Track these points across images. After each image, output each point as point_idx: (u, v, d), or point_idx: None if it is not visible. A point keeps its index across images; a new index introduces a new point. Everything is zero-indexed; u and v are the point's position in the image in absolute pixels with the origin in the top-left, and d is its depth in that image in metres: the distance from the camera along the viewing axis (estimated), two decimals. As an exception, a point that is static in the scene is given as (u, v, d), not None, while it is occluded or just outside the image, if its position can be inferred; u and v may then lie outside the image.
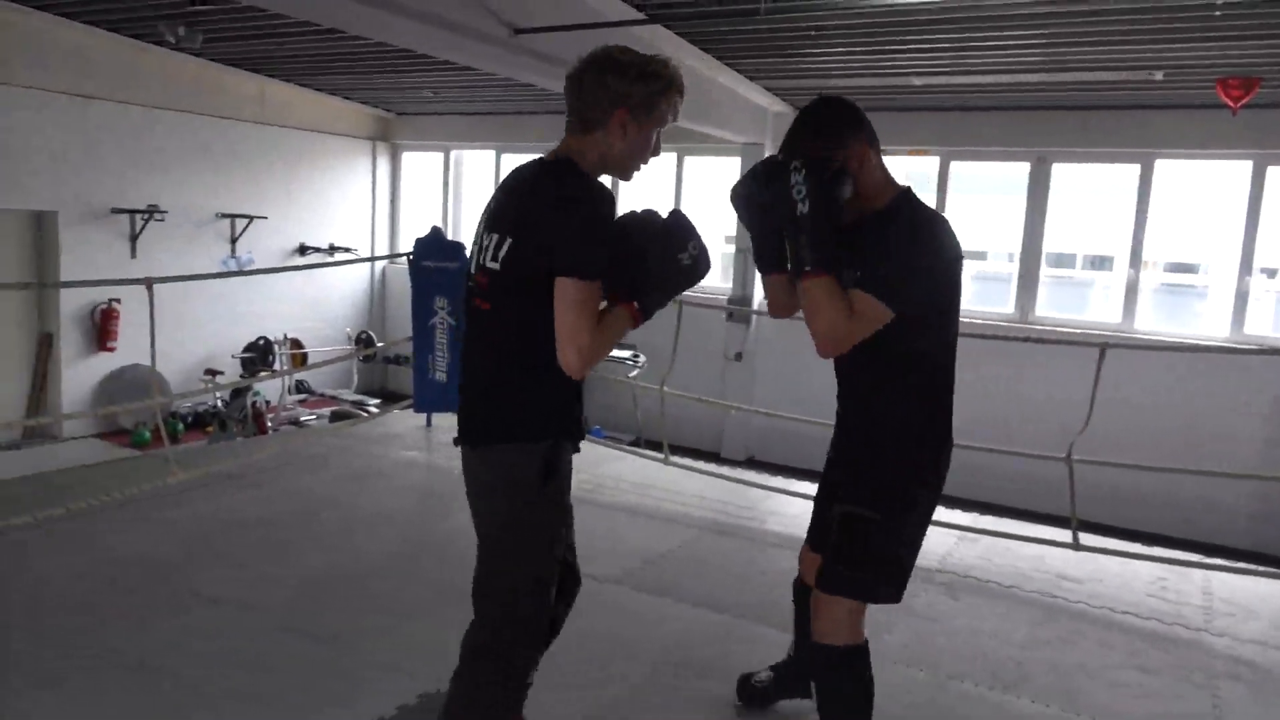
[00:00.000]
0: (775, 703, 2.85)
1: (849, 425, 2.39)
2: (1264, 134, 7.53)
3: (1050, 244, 9.20)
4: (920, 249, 2.14)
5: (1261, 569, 4.42)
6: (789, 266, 2.15)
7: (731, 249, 9.93)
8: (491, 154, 11.58)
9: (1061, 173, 8.60)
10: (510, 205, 2.06)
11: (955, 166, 9.08)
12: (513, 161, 11.45)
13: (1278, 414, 7.70)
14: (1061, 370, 6.87)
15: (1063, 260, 15.19)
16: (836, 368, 2.35)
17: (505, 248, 1.99)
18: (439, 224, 11.84)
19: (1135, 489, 7.27)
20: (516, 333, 2.03)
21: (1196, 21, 5.54)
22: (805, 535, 2.66)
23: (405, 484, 5.09)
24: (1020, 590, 3.95)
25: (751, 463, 9.62)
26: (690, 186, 10.45)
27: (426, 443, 5.85)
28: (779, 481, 5.49)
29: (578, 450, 2.23)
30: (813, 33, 6.54)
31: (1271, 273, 9.35)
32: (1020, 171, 8.77)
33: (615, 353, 9.94)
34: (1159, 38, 5.96)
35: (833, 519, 2.30)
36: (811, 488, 5.39)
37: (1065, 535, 4.37)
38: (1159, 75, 6.84)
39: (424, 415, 6.04)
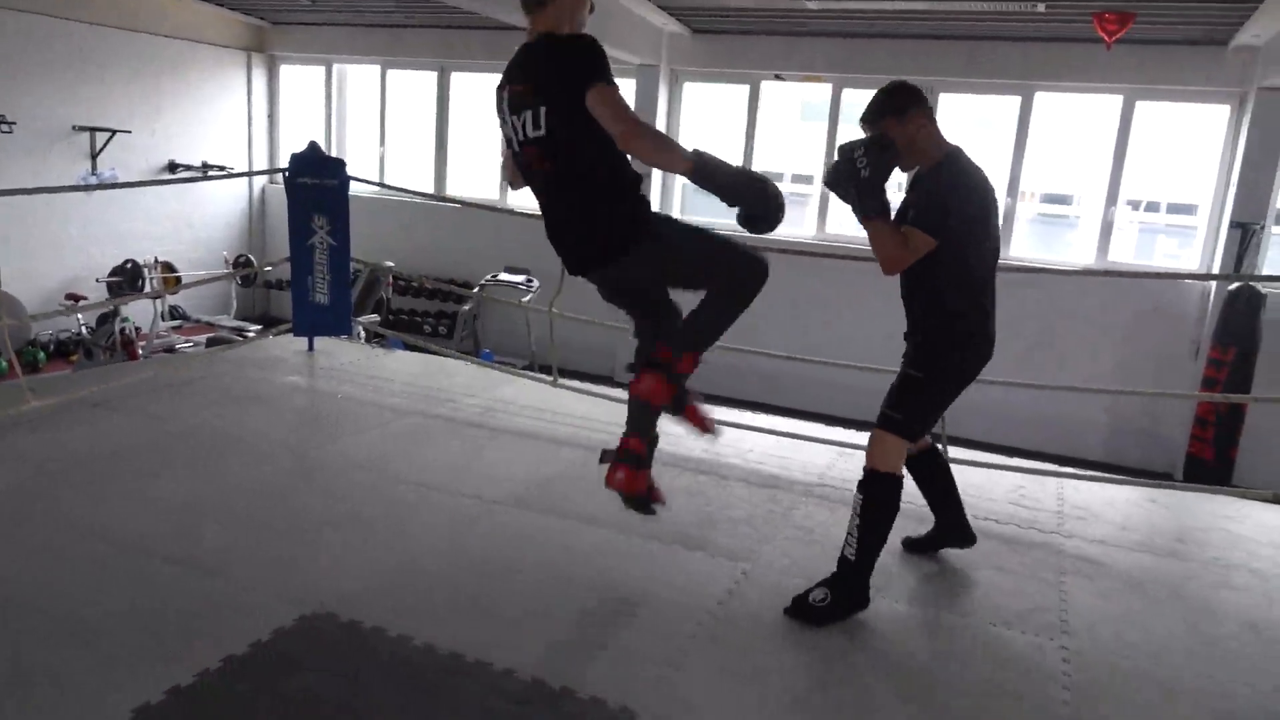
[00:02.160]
0: (940, 550, 3.53)
1: (913, 321, 3.15)
2: (1135, 69, 7.85)
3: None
4: (955, 195, 2.91)
5: (1108, 475, 4.75)
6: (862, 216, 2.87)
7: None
8: (377, 69, 11.07)
9: (947, 103, 8.79)
10: (530, 83, 2.52)
11: (847, 94, 9.16)
12: (400, 78, 11.10)
13: (1134, 336, 8.21)
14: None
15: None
16: (902, 280, 3.12)
17: (543, 114, 2.48)
18: (322, 141, 11.36)
19: (1003, 405, 7.66)
20: (589, 171, 2.54)
21: (1076, -47, 5.68)
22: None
23: (286, 409, 4.94)
24: (892, 502, 4.13)
25: (645, 388, 9.71)
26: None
27: (309, 367, 5.67)
28: (668, 403, 5.54)
29: None
30: (707, -51, 6.43)
31: (1137, 204, 9.86)
32: (908, 100, 8.91)
33: (508, 276, 9.81)
34: (1041, -32, 6.10)
35: (897, 379, 3.12)
36: (705, 408, 5.52)
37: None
38: (1041, 7, 7.01)
39: (306, 339, 5.84)
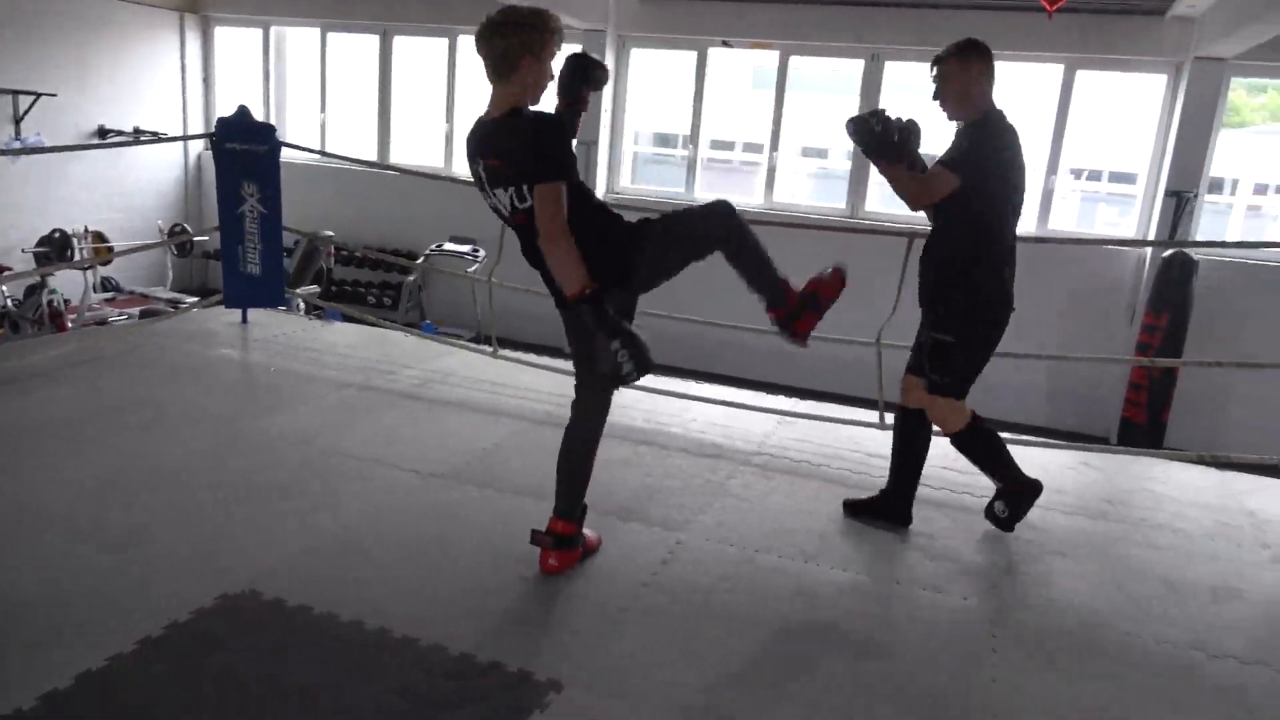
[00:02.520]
0: (875, 520, 3.60)
1: (929, 286, 3.35)
2: (1076, 38, 7.91)
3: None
4: (985, 146, 3.16)
5: (1043, 440, 4.82)
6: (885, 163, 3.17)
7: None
8: (317, 32, 10.75)
9: (894, 71, 8.79)
10: (502, 160, 2.68)
11: (795, 62, 9.12)
12: (341, 41, 10.79)
13: (1073, 302, 8.35)
14: (884, 260, 7.17)
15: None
16: (924, 248, 3.39)
17: (526, 190, 2.64)
18: (260, 107, 11.02)
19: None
20: (576, 230, 2.67)
21: (1017, -81, 5.67)
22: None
23: (216, 382, 4.81)
24: (829, 469, 4.16)
25: (594, 358, 9.67)
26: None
27: (242, 340, 5.53)
28: (611, 373, 5.51)
29: None
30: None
31: (1079, 173, 9.98)
32: (854, 69, 8.90)
33: (453, 246, 9.67)
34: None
35: (924, 344, 3.38)
36: (649, 379, 5.50)
37: (874, 416, 4.60)
38: (984, -26, 7.01)
39: (239, 311, 5.69)
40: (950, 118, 3.31)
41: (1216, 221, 10.88)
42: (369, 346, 5.64)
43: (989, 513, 3.57)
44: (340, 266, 10.45)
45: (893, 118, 3.12)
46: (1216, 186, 9.53)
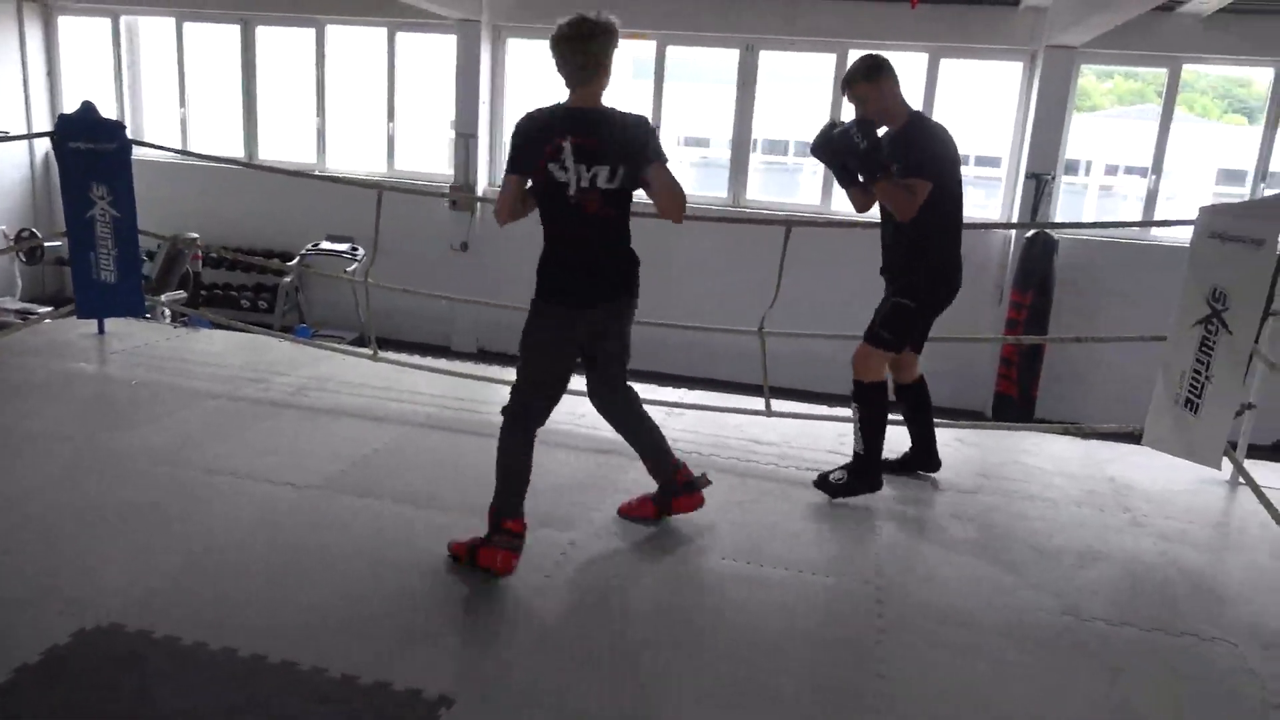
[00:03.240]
0: (911, 473, 4.06)
1: (893, 260, 3.74)
2: (939, 28, 8.19)
3: (763, 131, 9.63)
4: (932, 145, 3.52)
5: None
6: (860, 179, 3.63)
7: (453, 135, 9.49)
8: (171, 22, 10.16)
9: (767, 60, 8.92)
10: (600, 140, 2.90)
11: (673, 52, 9.15)
12: (199, 32, 10.24)
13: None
14: (766, 249, 7.29)
15: (775, 147, 16.08)
16: (884, 225, 3.74)
17: (620, 173, 2.93)
18: (112, 102, 10.36)
19: (827, 354, 7.94)
20: (628, 223, 3.09)
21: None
22: None
23: (71, 398, 4.49)
24: (719, 457, 4.19)
25: (482, 354, 9.52)
26: (405, 64, 9.79)
27: (99, 352, 5.18)
28: (494, 370, 5.41)
29: None
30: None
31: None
32: (731, 58, 9.00)
33: (331, 245, 9.34)
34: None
35: (885, 304, 3.71)
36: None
37: (760, 403, 4.66)
38: (850, -35, 7.18)
39: (94, 322, 5.33)
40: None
41: (1073, 201, 11.52)
42: (239, 354, 5.37)
43: (823, 476, 3.83)
44: (210, 270, 9.95)
45: (868, 125, 3.50)
46: (1072, 168, 10.09)
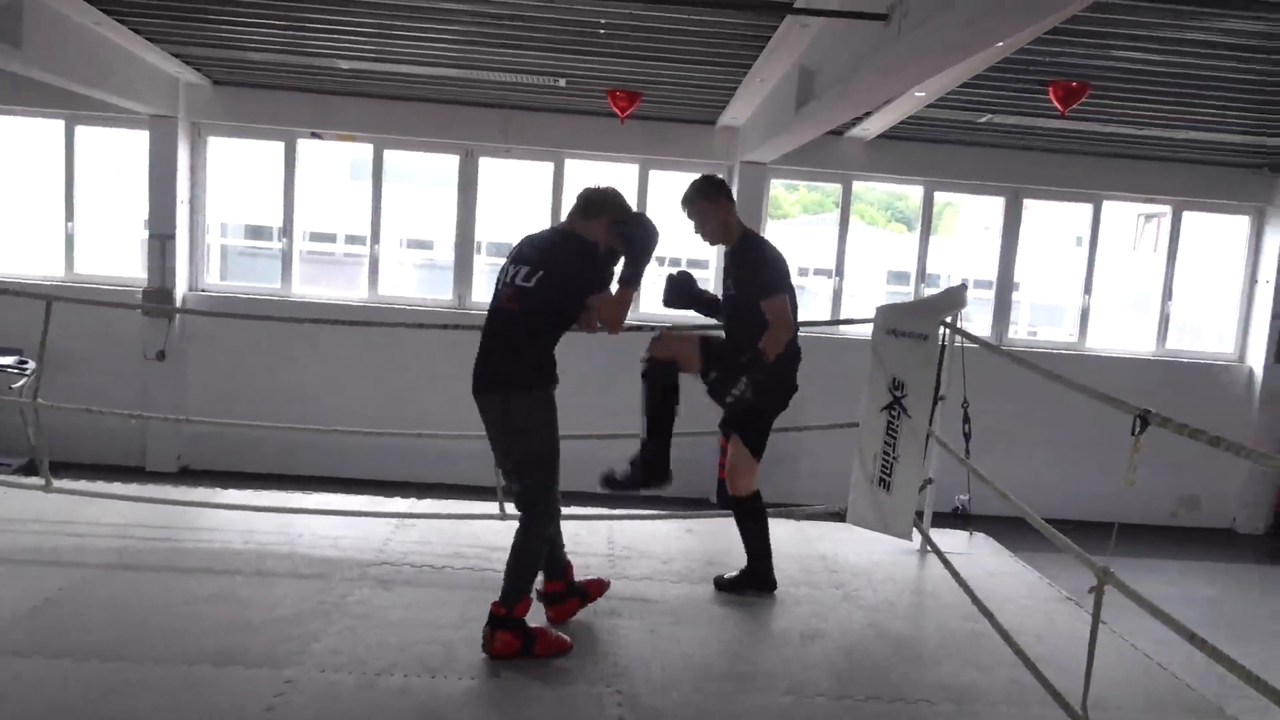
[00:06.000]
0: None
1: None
2: (646, 141, 8.80)
3: (487, 234, 9.75)
4: (774, 261, 3.74)
5: (650, 512, 5.12)
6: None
7: (146, 235, 8.71)
8: None
9: (487, 168, 9.10)
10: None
11: (390, 155, 9.08)
12: None
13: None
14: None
15: (501, 250, 16.36)
16: (727, 332, 3.94)
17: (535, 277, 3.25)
18: None
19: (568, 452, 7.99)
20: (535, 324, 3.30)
21: (587, 36, 6.19)
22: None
23: None
24: (452, 569, 4.03)
25: (186, 473, 8.61)
26: (88, 160, 8.93)
27: None
28: (201, 493, 4.90)
29: None
30: (217, -4, 5.94)
31: (660, 260, 11.04)
32: (452, 163, 9.08)
33: (-6, 360, 8.13)
34: (559, 47, 6.54)
35: (735, 415, 3.90)
36: (246, 495, 4.96)
37: (494, 507, 4.56)
38: (562, 82, 7.55)
39: None
40: (713, 244, 3.94)
41: (774, 300, 12.65)
42: None
43: (719, 579, 4.04)
44: None
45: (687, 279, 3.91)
46: (770, 270, 11.08)
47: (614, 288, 3.28)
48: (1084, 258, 9.43)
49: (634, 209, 3.46)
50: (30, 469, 6.69)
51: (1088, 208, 9.36)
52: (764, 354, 3.62)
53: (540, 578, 3.47)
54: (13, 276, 8.50)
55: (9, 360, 8.12)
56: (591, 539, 4.53)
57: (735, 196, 8.76)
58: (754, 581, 3.97)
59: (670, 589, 4.02)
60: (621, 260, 3.29)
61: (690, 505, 8.62)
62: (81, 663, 3.00)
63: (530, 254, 3.29)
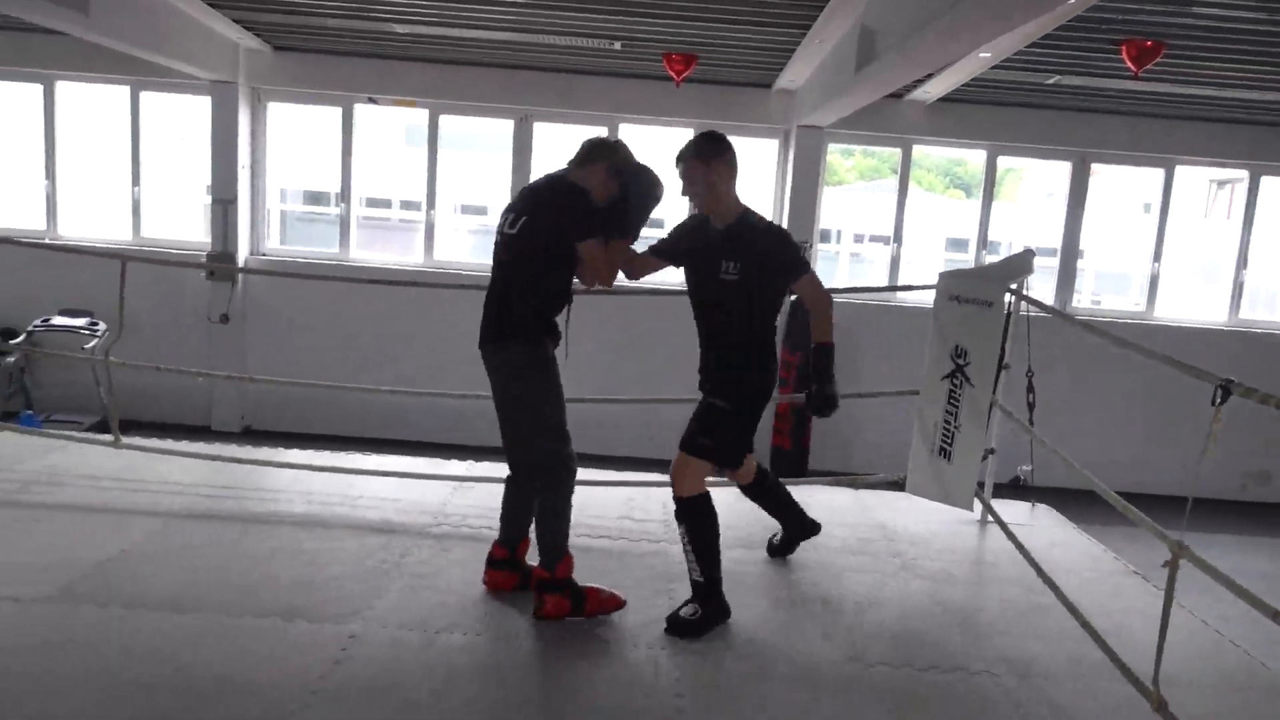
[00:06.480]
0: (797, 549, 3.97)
1: (714, 356, 3.40)
2: (701, 105, 8.68)
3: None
4: (789, 236, 3.48)
5: (714, 479, 5.08)
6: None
7: (209, 200, 8.87)
8: None
9: (543, 131, 9.07)
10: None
11: (445, 121, 9.10)
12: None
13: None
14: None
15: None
16: (713, 318, 3.39)
17: (521, 223, 3.19)
18: None
19: (615, 418, 8.03)
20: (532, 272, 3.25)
21: (646, -2, 6.12)
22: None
23: None
24: (508, 532, 4.05)
25: (249, 433, 8.83)
26: (153, 126, 9.09)
27: None
28: (264, 452, 5.01)
29: None
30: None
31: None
32: (507, 128, 9.07)
33: (64, 320, 8.40)
34: (614, 9, 6.46)
35: (701, 406, 3.37)
36: (308, 455, 5.05)
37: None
38: (617, 45, 7.47)
39: None
40: (701, 211, 3.41)
41: (828, 267, 12.48)
42: (-54, 449, 4.64)
43: (674, 615, 3.30)
44: (-91, 351, 8.62)
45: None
46: (825, 237, 10.94)
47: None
48: (1153, 224, 9.12)
49: (636, 161, 3.23)
50: (102, 427, 6.91)
51: (1159, 172, 9.03)
52: (825, 343, 3.29)
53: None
54: (82, 240, 8.75)
55: (81, 322, 8.37)
56: (647, 504, 4.54)
57: (791, 161, 8.76)
58: (708, 608, 3.30)
59: (728, 554, 3.99)
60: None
61: (742, 473, 8.62)
62: (154, 613, 3.09)
63: (519, 202, 3.22)
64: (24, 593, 3.16)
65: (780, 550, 4.01)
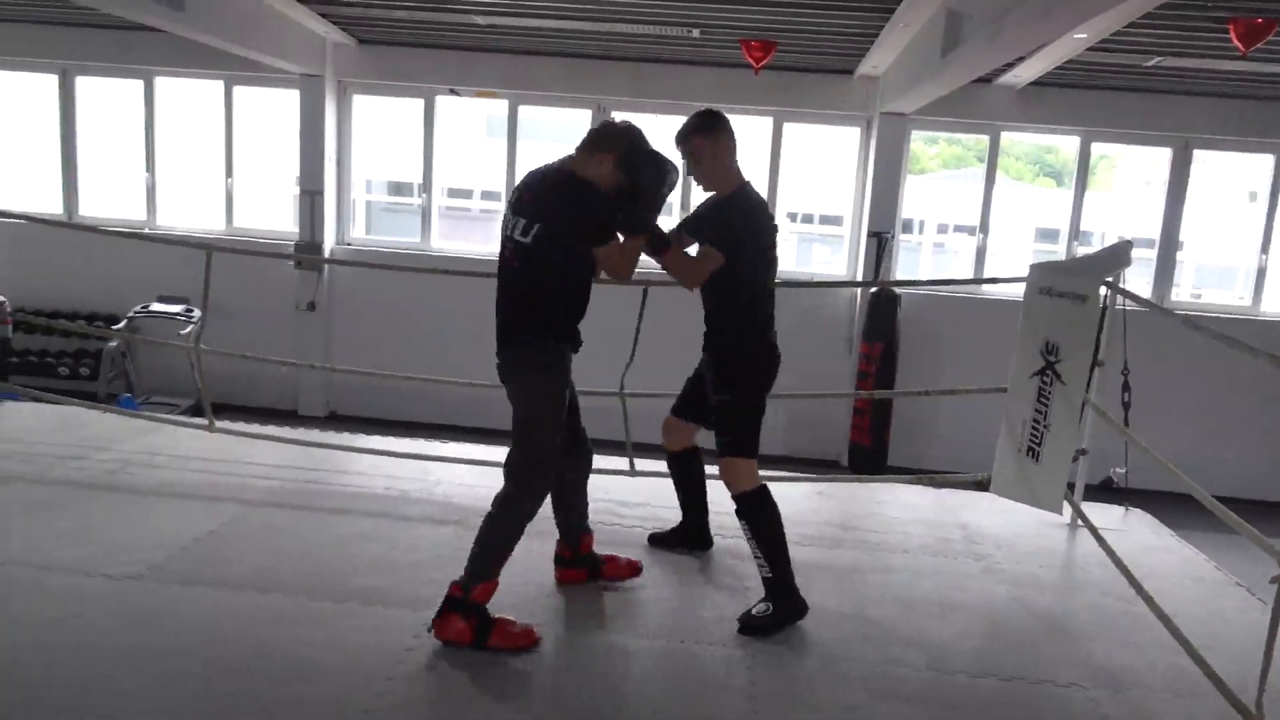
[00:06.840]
0: (679, 546, 3.80)
1: (709, 347, 3.44)
2: (780, 93, 8.55)
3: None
4: (736, 220, 3.25)
5: (780, 474, 4.99)
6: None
7: (297, 191, 9.12)
8: (-22, 70, 9.39)
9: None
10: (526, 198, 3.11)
11: (524, 111, 9.16)
12: (11, 81, 9.50)
13: (799, 337, 8.91)
14: (621, 306, 7.31)
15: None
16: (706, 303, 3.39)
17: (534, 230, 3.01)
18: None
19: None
20: (542, 278, 3.06)
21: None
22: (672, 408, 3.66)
23: None
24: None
25: (334, 418, 9.08)
26: (246, 119, 9.39)
27: (-122, 433, 4.58)
28: (349, 438, 5.12)
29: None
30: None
31: (794, 216, 10.78)
32: (583, 119, 9.08)
33: (162, 307, 8.74)
34: (693, -3, 6.41)
35: (712, 407, 3.38)
36: (389, 441, 5.14)
37: (624, 463, 4.57)
38: (695, 32, 7.40)
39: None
40: (705, 189, 3.39)
41: (910, 258, 12.17)
42: (51, 430, 4.86)
43: (747, 615, 3.22)
44: (23, 335, 9.10)
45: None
46: (908, 227, 10.67)
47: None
48: (1260, 214, 8.64)
49: (648, 148, 3.03)
50: (197, 410, 7.18)
51: (1267, 159, 8.55)
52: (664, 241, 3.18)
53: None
54: (180, 230, 9.10)
55: (177, 309, 8.72)
56: (721, 497, 4.47)
57: (873, 149, 8.56)
58: (782, 604, 3.25)
59: (799, 551, 3.91)
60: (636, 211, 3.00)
61: (822, 467, 8.50)
62: (238, 592, 3.18)
63: (527, 203, 3.01)
64: (115, 571, 3.29)
65: (662, 540, 3.82)
